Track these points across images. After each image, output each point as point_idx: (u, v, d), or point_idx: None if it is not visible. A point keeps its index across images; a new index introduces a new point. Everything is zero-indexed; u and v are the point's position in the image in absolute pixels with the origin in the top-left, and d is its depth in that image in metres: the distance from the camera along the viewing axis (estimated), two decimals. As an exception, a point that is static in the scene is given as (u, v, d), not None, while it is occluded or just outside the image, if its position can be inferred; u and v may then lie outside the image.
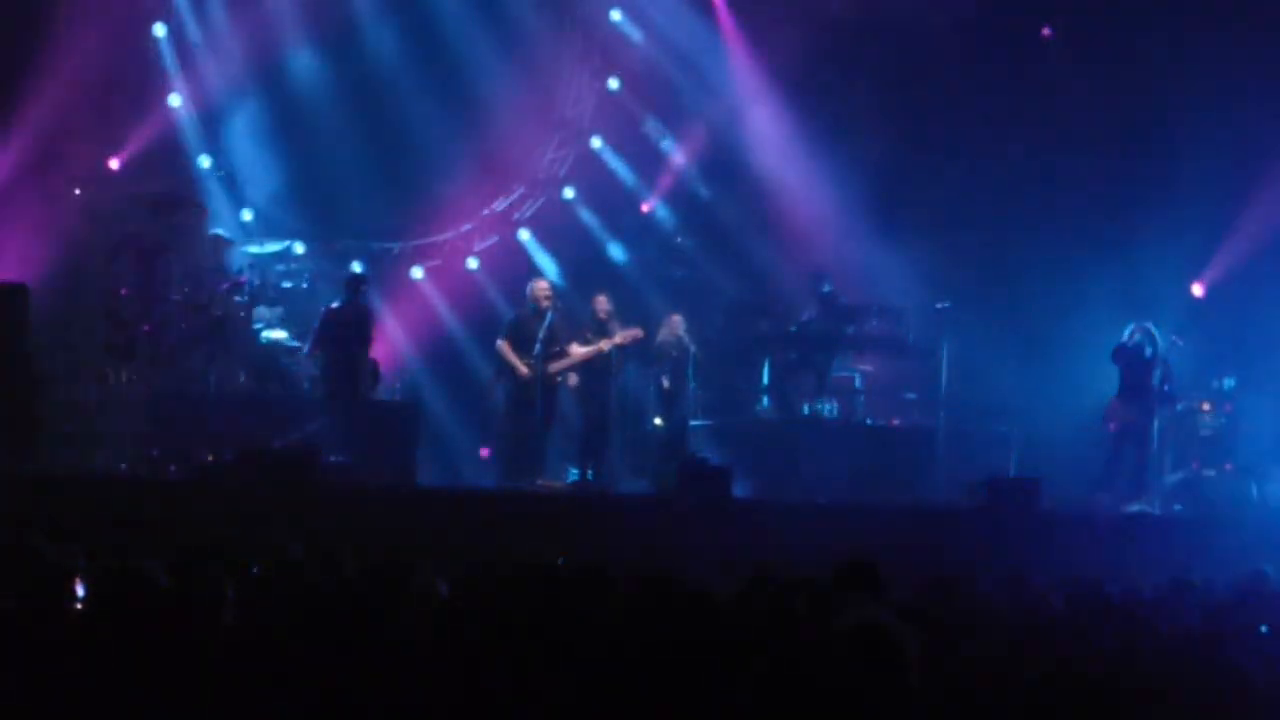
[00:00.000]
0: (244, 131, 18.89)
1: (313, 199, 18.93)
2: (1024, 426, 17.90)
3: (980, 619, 7.45)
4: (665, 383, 17.21)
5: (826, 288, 18.04)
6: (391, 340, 18.51)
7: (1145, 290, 18.38)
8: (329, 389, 15.97)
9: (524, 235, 20.12)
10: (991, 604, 8.13)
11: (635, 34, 20.26)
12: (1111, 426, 16.93)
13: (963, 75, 19.97)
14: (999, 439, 17.71)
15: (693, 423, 17.36)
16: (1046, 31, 20.33)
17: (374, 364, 16.34)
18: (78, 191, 17.56)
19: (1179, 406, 17.48)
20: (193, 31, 18.62)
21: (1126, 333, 16.88)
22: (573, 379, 16.62)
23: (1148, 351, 16.87)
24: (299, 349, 16.70)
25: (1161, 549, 13.94)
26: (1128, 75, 19.63)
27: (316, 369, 16.32)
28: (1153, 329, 16.92)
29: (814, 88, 19.95)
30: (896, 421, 18.42)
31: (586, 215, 20.35)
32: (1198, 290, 19.34)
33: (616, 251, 20.19)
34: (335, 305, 16.41)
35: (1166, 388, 17.10)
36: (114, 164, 18.15)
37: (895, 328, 18.39)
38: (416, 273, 19.58)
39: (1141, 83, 19.53)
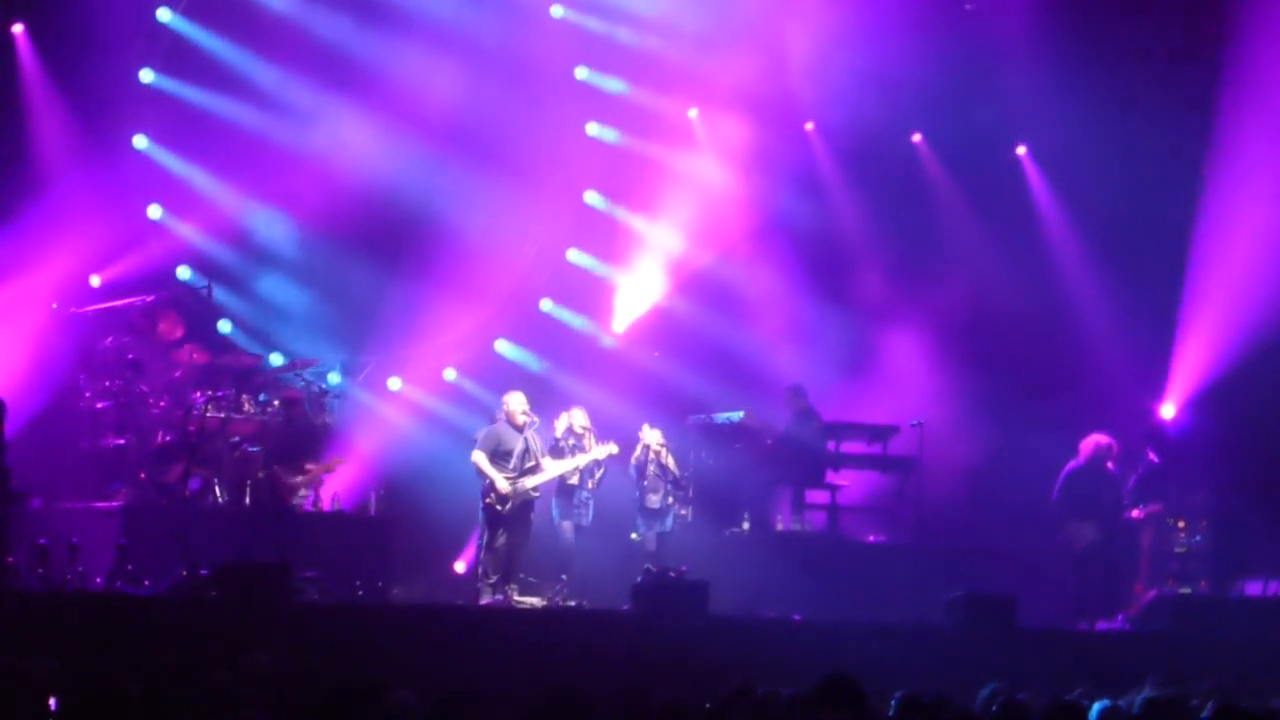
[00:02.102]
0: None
1: (288, 321, 19.02)
2: (1002, 542, 17.86)
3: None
4: (640, 496, 17.20)
5: (804, 403, 18.09)
6: (367, 453, 18.44)
7: (1117, 406, 18.48)
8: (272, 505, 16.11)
9: (501, 346, 20.17)
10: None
11: (612, 142, 20.48)
12: (1071, 548, 17.00)
13: (938, 192, 20.29)
14: (976, 555, 17.66)
15: (670, 535, 17.31)
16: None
17: (309, 483, 16.40)
18: (55, 305, 17.54)
19: (1139, 516, 17.43)
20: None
21: (1080, 450, 17.01)
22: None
23: (1102, 468, 16.96)
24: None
25: (1137, 666, 13.88)
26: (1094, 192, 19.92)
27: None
28: (1104, 444, 16.98)
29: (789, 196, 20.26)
30: (873, 538, 18.40)
31: (564, 324, 20.46)
32: (1169, 411, 19.40)
33: (594, 359, 20.20)
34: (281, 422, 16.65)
35: (1142, 502, 17.19)
36: (95, 280, 18.14)
37: (872, 444, 18.49)
38: (394, 384, 19.58)
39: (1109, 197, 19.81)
